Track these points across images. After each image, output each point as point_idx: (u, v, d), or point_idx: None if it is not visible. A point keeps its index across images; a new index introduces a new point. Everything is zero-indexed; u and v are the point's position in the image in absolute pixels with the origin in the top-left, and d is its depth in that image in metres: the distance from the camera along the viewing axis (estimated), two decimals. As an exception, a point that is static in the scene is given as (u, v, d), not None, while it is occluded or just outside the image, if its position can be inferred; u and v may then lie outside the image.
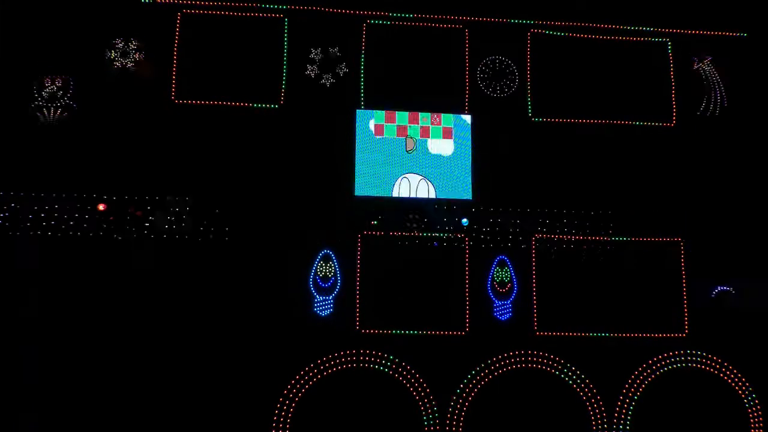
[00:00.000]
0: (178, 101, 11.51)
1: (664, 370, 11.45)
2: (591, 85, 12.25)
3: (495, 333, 11.36)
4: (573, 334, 11.48)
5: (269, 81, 11.72)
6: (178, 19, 11.68)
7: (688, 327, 11.67)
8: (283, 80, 11.70)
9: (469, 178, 11.69)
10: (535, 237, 11.73)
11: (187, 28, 11.71)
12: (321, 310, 11.16)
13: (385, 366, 11.07)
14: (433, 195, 11.62)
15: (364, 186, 11.49)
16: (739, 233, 11.91)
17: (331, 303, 11.19)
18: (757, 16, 12.50)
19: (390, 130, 11.64)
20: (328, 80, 11.71)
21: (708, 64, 12.37)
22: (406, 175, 11.62)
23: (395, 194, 11.54)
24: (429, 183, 11.62)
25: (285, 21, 11.85)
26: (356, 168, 11.55)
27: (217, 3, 11.78)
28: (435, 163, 11.68)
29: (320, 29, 11.83)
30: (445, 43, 12.10)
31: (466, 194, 11.66)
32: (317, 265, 11.25)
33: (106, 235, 11.00)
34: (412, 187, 11.58)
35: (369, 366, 11.06)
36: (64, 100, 11.22)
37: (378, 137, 11.63)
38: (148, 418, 10.55)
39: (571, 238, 11.78)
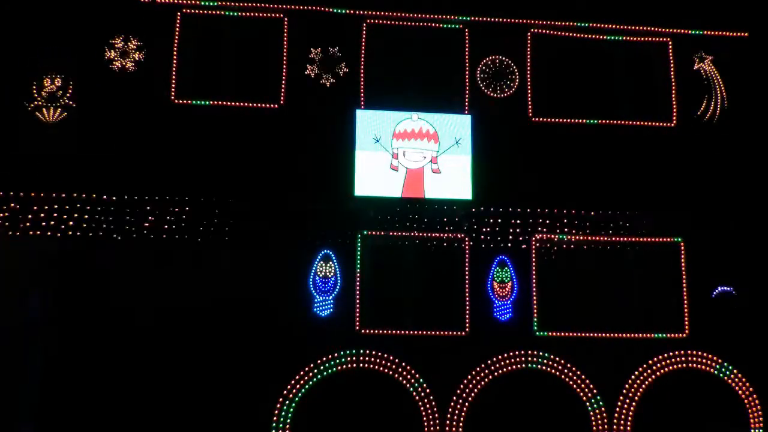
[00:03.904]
0: (178, 101, 11.50)
1: (664, 371, 11.45)
2: (591, 85, 12.26)
3: (495, 333, 11.35)
4: (573, 334, 11.48)
5: (269, 81, 11.73)
6: (178, 19, 11.68)
7: (688, 327, 11.67)
8: (283, 80, 11.70)
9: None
10: (535, 237, 11.73)
11: (187, 28, 11.72)
12: (321, 310, 11.16)
13: (385, 366, 11.07)
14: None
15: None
16: (738, 233, 11.92)
17: (331, 303, 11.19)
18: (758, 16, 12.50)
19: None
20: (328, 80, 11.70)
21: (708, 64, 12.37)
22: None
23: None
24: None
25: (285, 21, 11.86)
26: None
27: (217, 3, 11.78)
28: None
29: (320, 29, 11.83)
30: (445, 43, 12.12)
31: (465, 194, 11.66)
32: (317, 265, 11.25)
33: (105, 235, 10.99)
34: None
35: (369, 366, 11.06)
36: (63, 100, 11.22)
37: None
38: (149, 417, 10.55)
39: (571, 238, 11.79)
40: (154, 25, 11.56)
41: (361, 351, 11.07)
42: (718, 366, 11.52)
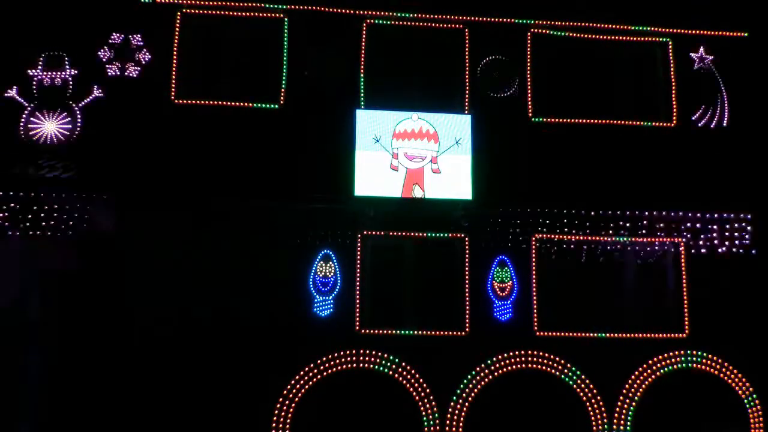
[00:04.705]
0: (178, 101, 11.50)
1: (664, 371, 11.45)
2: (591, 85, 12.25)
3: (495, 333, 11.35)
4: (573, 334, 11.48)
5: (269, 81, 11.72)
6: (178, 19, 11.68)
7: (688, 327, 11.67)
8: (283, 80, 11.70)
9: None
10: (535, 237, 11.72)
11: (187, 28, 11.71)
12: (321, 311, 11.15)
13: (385, 366, 11.07)
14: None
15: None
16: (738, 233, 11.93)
17: (331, 303, 11.18)
18: (758, 16, 12.49)
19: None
20: (328, 80, 11.67)
21: (709, 64, 12.36)
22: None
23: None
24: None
25: (285, 21, 11.85)
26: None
27: (217, 3, 11.77)
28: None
29: (320, 29, 11.82)
30: (445, 43, 12.12)
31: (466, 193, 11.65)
32: (317, 265, 11.25)
33: (105, 235, 10.99)
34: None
35: (369, 366, 11.06)
36: (63, 101, 11.21)
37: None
38: (149, 417, 10.55)
39: (571, 238, 11.78)
40: (154, 24, 11.55)
41: (361, 351, 11.07)
42: (718, 366, 11.52)
